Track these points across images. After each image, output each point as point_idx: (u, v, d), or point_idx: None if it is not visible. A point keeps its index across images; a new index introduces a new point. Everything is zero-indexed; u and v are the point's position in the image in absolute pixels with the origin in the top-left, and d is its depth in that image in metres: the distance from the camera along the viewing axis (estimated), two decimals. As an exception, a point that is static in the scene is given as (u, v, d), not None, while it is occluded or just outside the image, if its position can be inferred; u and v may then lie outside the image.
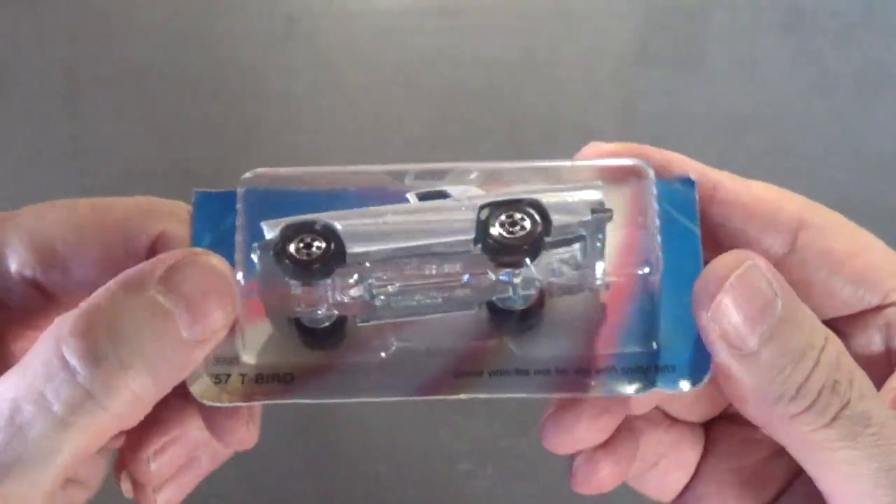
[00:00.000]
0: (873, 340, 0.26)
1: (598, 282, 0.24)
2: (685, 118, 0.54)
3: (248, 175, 0.24)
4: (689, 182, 0.25)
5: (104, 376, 0.20)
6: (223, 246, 0.24)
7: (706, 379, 0.23)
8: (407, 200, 0.24)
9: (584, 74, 0.55)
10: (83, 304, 0.21)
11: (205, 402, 0.24)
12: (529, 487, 0.55)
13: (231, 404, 0.24)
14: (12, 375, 0.21)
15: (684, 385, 0.23)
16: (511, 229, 0.23)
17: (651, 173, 0.24)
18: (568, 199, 0.23)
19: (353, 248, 0.23)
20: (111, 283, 0.22)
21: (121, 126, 0.54)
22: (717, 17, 0.54)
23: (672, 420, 0.29)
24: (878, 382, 0.25)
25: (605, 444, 0.27)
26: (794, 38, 0.54)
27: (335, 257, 0.23)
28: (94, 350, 0.20)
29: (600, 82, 0.55)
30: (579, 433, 0.26)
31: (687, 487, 0.29)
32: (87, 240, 0.25)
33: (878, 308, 0.26)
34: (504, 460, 0.56)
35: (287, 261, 0.23)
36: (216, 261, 0.23)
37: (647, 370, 0.24)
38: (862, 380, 0.23)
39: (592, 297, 0.24)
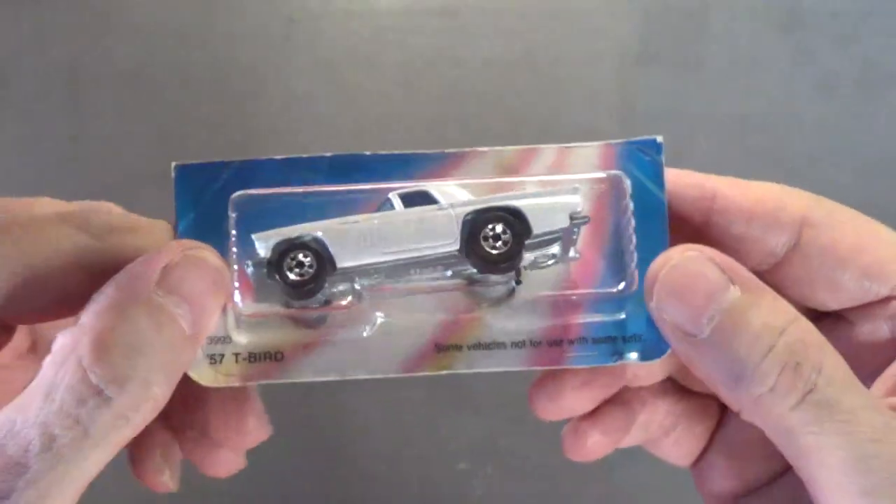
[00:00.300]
0: (880, 329, 0.26)
1: (571, 255, 0.25)
2: (685, 118, 0.54)
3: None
4: (655, 145, 0.25)
5: (133, 398, 0.21)
6: (207, 219, 0.25)
7: (669, 352, 0.24)
8: (390, 202, 0.25)
9: (584, 74, 0.55)
10: (92, 323, 0.22)
11: (203, 383, 0.25)
12: (529, 487, 0.55)
13: (227, 385, 0.25)
14: (35, 400, 0.21)
15: (650, 356, 0.25)
16: (494, 244, 0.25)
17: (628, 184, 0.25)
18: (547, 203, 0.25)
19: (343, 263, 0.24)
20: (111, 295, 0.22)
21: (121, 126, 0.55)
22: (717, 17, 0.54)
23: (685, 391, 0.30)
24: (881, 370, 0.25)
25: (593, 415, 0.28)
26: (794, 38, 0.54)
27: (326, 273, 0.24)
28: (118, 373, 0.21)
29: (600, 82, 0.55)
30: (564, 402, 0.27)
31: (701, 454, 0.30)
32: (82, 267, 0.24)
33: (887, 299, 0.26)
34: (504, 460, 0.56)
35: (281, 281, 0.24)
36: (208, 254, 0.23)
37: (616, 340, 0.25)
38: (834, 367, 0.23)
39: (563, 270, 0.25)
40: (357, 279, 0.25)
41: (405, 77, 0.55)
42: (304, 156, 0.25)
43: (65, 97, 0.54)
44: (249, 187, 0.25)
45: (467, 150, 0.25)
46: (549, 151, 0.25)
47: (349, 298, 0.25)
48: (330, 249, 0.24)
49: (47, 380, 0.21)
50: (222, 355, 0.25)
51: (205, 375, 0.25)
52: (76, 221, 0.24)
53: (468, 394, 0.56)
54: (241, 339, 0.25)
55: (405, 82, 0.55)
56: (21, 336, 0.28)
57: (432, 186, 0.25)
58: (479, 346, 0.25)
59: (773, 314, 0.23)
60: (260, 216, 0.25)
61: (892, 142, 0.54)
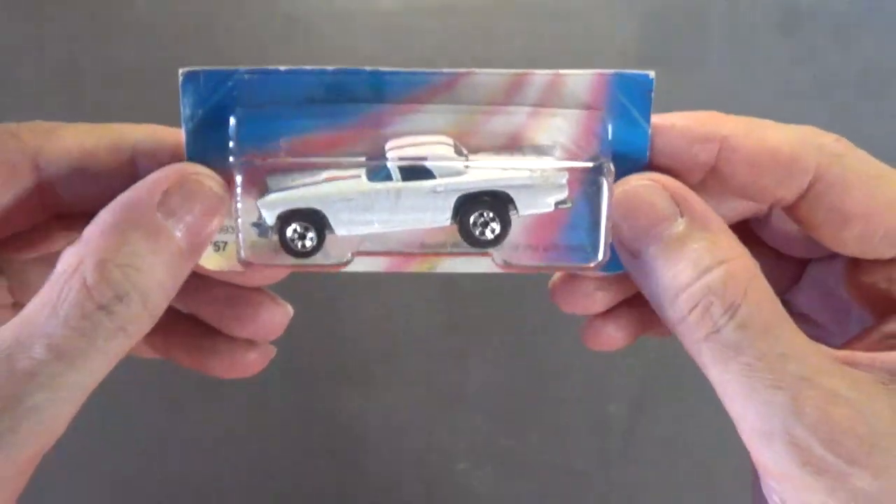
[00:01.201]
0: (878, 283, 0.27)
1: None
2: (685, 118, 0.54)
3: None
4: (647, 80, 0.26)
5: (132, 312, 0.23)
6: (212, 124, 0.26)
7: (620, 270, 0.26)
8: (388, 171, 0.26)
9: (583, 74, 0.55)
10: (96, 243, 0.23)
11: (208, 267, 0.27)
12: (529, 487, 0.55)
13: (231, 269, 0.27)
14: (40, 314, 0.23)
15: (611, 269, 0.26)
16: (483, 230, 0.26)
17: (611, 178, 0.26)
18: (537, 191, 0.26)
19: (342, 232, 0.26)
20: (115, 216, 0.24)
21: (121, 126, 0.54)
22: (717, 17, 0.54)
23: (766, 250, 0.31)
24: (867, 323, 0.27)
25: (610, 312, 0.30)
26: (794, 38, 0.54)
27: (324, 241, 0.26)
28: (119, 290, 0.23)
29: (600, 82, 0.55)
30: (580, 302, 0.29)
31: None
32: (99, 155, 0.26)
33: (891, 261, 0.26)
34: (503, 460, 0.56)
35: (284, 247, 0.26)
36: (207, 178, 0.25)
37: (587, 249, 0.27)
38: (756, 311, 0.23)
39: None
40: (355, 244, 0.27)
41: (405, 77, 0.55)
42: (308, 67, 0.26)
43: (65, 97, 0.54)
44: (254, 95, 0.26)
45: (463, 70, 0.26)
46: (542, 77, 0.26)
47: (346, 258, 0.27)
48: (330, 222, 0.26)
49: (53, 295, 0.23)
50: (225, 243, 0.27)
51: (210, 261, 0.27)
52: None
53: (468, 394, 0.56)
54: (244, 235, 0.27)
55: (405, 82, 0.55)
56: (1, 294, 0.29)
57: (431, 156, 0.26)
58: (460, 251, 0.27)
59: (708, 251, 0.24)
60: (260, 125, 0.26)
61: (892, 142, 0.54)
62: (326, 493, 0.56)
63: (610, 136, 0.26)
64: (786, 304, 0.25)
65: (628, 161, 0.26)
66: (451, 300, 0.55)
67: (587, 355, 0.56)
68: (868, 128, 0.54)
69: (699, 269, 0.24)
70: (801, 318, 0.30)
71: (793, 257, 0.31)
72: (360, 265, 0.27)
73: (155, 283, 0.24)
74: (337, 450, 0.56)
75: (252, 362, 0.30)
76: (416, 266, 0.27)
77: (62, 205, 0.27)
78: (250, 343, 0.30)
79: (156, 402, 0.55)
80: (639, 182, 0.25)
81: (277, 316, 0.30)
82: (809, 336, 0.24)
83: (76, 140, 0.26)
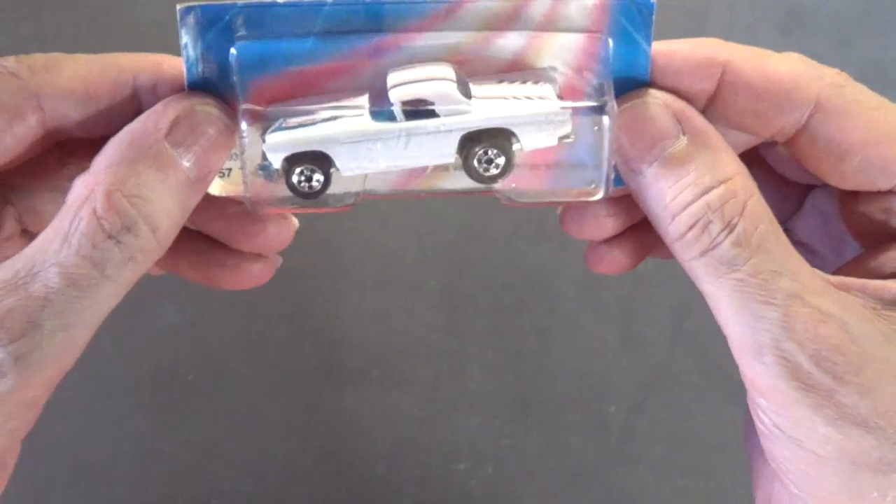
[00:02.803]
0: (874, 214, 0.27)
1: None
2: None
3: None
4: (649, 4, 0.26)
5: (141, 241, 0.24)
6: (212, 58, 0.26)
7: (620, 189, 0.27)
8: (392, 111, 0.26)
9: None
10: (105, 174, 0.24)
11: (213, 193, 0.27)
12: (528, 487, 0.55)
13: (236, 194, 0.27)
14: (52, 243, 0.23)
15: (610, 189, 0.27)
16: (487, 167, 0.26)
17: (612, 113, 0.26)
18: (541, 125, 0.26)
19: (347, 173, 0.26)
20: (123, 147, 0.24)
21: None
22: (717, 17, 0.54)
23: (769, 174, 0.31)
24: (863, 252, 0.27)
25: (615, 237, 0.30)
26: (794, 38, 0.54)
27: (331, 182, 0.27)
28: (128, 220, 0.23)
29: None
30: (589, 229, 0.29)
31: None
32: (100, 91, 0.26)
33: (889, 192, 0.26)
34: (503, 460, 0.56)
35: (291, 189, 0.26)
36: (213, 108, 0.25)
37: (588, 168, 0.27)
38: (752, 229, 0.24)
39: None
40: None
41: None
42: (306, 0, 0.26)
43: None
44: (253, 28, 0.26)
45: None
46: (543, 1, 0.26)
47: (352, 200, 0.27)
48: (336, 162, 0.26)
49: (64, 225, 0.23)
50: (230, 169, 0.27)
51: (215, 187, 0.27)
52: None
53: (468, 394, 0.56)
54: (249, 161, 0.27)
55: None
56: (10, 224, 0.29)
57: (434, 96, 0.25)
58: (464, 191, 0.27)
59: (709, 169, 0.24)
60: (260, 55, 0.26)
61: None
62: (326, 494, 0.56)
63: (611, 59, 0.26)
64: (786, 231, 0.25)
65: (630, 83, 0.26)
66: (451, 300, 0.55)
67: (587, 355, 0.56)
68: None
69: (700, 188, 0.24)
70: (799, 246, 0.30)
71: (795, 184, 0.31)
72: (368, 188, 0.27)
73: (163, 213, 0.24)
74: (337, 450, 0.56)
75: (259, 273, 0.31)
76: (419, 185, 0.27)
77: (66, 135, 0.27)
78: (257, 255, 0.31)
79: (155, 402, 0.55)
80: (643, 98, 0.25)
81: (284, 229, 0.30)
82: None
83: (77, 75, 0.26)
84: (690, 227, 0.24)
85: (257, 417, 0.56)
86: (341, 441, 0.56)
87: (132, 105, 0.26)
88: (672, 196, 0.24)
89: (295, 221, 0.30)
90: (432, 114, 0.26)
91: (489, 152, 0.26)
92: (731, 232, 0.24)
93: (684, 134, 0.25)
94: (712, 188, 0.24)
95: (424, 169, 0.27)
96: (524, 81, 0.26)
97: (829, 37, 0.54)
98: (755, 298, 0.23)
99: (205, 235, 0.31)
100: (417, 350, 0.55)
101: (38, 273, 0.23)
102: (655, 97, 0.25)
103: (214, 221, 0.30)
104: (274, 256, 0.31)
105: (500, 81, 0.26)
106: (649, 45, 0.26)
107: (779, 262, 0.24)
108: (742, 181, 0.24)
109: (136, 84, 0.26)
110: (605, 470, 0.56)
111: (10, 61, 0.26)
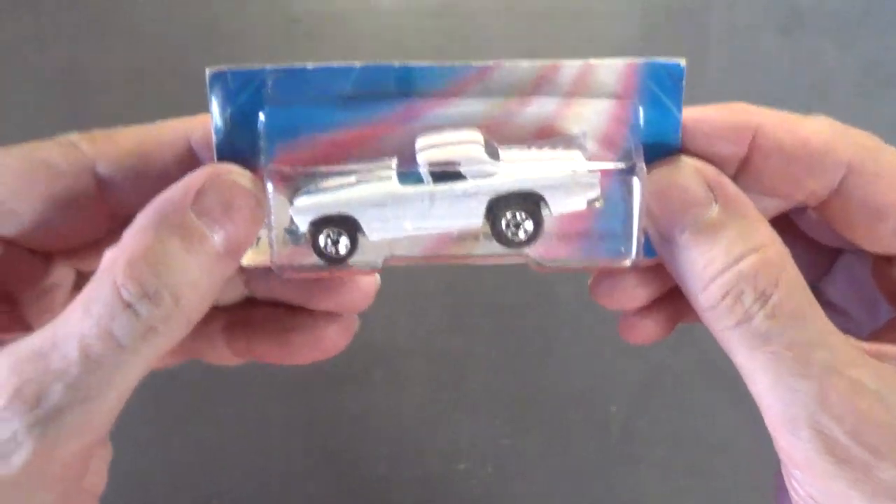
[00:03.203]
0: None
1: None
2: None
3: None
4: (678, 69, 0.26)
5: (161, 311, 0.23)
6: (241, 124, 0.26)
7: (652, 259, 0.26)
8: (419, 173, 0.25)
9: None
10: (129, 244, 0.23)
11: (241, 263, 0.26)
12: (529, 487, 0.55)
13: (264, 264, 0.26)
14: (75, 314, 0.23)
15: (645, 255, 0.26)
16: (516, 231, 0.26)
17: (643, 175, 0.25)
18: (570, 190, 0.26)
19: (374, 236, 0.26)
20: (148, 218, 0.24)
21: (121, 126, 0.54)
22: (717, 17, 0.54)
23: (799, 237, 0.30)
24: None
25: (647, 307, 0.29)
26: (794, 38, 0.54)
27: (357, 246, 0.26)
28: (147, 289, 0.23)
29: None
30: (621, 299, 0.29)
31: None
32: (155, 152, 0.26)
33: None
34: (504, 460, 0.56)
35: (317, 253, 0.26)
36: (239, 176, 0.25)
37: (618, 237, 0.26)
38: (787, 301, 0.23)
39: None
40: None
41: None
42: (335, 64, 0.26)
43: (65, 97, 0.54)
44: (282, 94, 0.26)
45: (492, 62, 0.25)
46: (572, 67, 0.25)
47: (379, 264, 0.26)
48: (363, 226, 0.26)
49: (86, 295, 0.23)
50: (259, 238, 0.26)
51: (244, 257, 0.26)
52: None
53: (468, 394, 0.56)
54: (276, 229, 0.26)
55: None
56: (65, 273, 0.29)
57: (462, 160, 0.25)
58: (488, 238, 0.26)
59: (742, 237, 0.24)
60: (289, 122, 0.26)
61: (892, 142, 0.54)
62: (327, 494, 0.56)
63: (641, 125, 0.26)
64: (816, 292, 0.25)
65: (661, 148, 0.26)
66: (452, 300, 0.55)
67: (587, 356, 0.56)
68: (868, 128, 0.54)
69: (732, 257, 0.24)
70: (831, 308, 0.30)
71: (825, 247, 0.31)
72: (396, 253, 0.27)
73: (187, 282, 0.23)
74: (337, 450, 0.56)
75: (336, 337, 0.30)
76: (448, 251, 0.27)
77: (125, 208, 0.26)
78: (333, 315, 0.30)
79: (157, 405, 0.55)
80: (676, 164, 0.25)
81: (364, 283, 0.29)
82: (839, 327, 0.24)
83: (133, 141, 0.26)
84: (723, 297, 0.24)
85: (259, 417, 0.56)
86: (342, 441, 0.56)
87: (191, 166, 0.26)
88: (704, 264, 0.24)
89: (377, 277, 0.30)
90: (460, 176, 0.25)
91: (517, 216, 0.26)
92: (764, 303, 0.23)
93: (716, 202, 0.24)
94: (745, 257, 0.24)
95: (452, 234, 0.26)
96: (553, 147, 0.26)
97: (829, 37, 0.54)
98: (790, 371, 0.23)
99: (273, 305, 0.30)
100: (419, 351, 0.55)
101: (58, 345, 0.22)
102: (687, 163, 0.25)
103: (291, 282, 0.29)
104: (351, 317, 0.30)
105: (529, 147, 0.26)
106: (680, 110, 0.26)
107: (813, 334, 0.23)
108: (775, 250, 0.24)
109: (191, 144, 0.26)
110: (606, 470, 0.56)
111: (69, 136, 0.26)
